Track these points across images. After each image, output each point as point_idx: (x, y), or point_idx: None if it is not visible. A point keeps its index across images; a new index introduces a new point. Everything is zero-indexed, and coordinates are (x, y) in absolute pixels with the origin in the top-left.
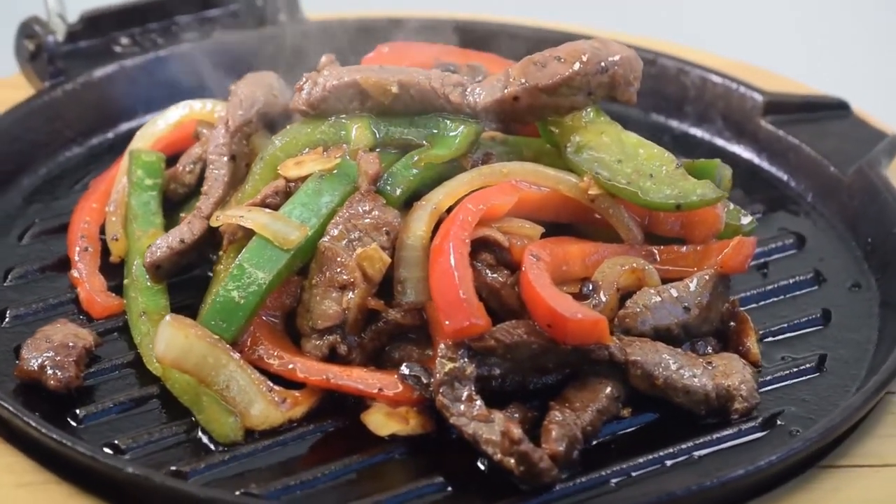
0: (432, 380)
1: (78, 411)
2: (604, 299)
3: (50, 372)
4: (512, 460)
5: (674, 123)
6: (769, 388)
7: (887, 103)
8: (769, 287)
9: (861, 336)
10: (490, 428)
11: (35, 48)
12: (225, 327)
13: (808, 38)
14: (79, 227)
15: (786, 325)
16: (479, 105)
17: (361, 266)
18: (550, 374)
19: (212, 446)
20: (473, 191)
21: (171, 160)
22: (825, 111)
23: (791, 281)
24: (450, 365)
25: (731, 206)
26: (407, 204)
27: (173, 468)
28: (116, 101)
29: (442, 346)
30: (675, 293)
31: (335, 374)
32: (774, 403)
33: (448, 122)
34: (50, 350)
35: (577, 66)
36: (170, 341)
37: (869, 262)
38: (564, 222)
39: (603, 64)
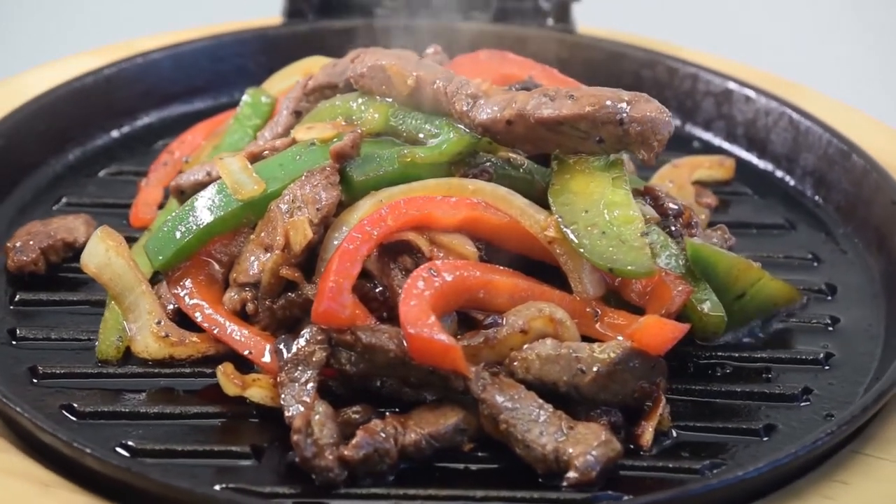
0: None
1: (18, 295)
2: (494, 334)
3: (12, 252)
4: None
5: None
6: (643, 473)
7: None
8: (743, 389)
9: None
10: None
11: None
12: (157, 256)
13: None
14: (175, 144)
15: (718, 426)
16: (475, 119)
17: (287, 234)
18: (418, 390)
19: (90, 358)
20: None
21: None
22: None
23: (770, 391)
24: (303, 347)
25: (703, 291)
26: None
27: (36, 366)
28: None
29: (308, 328)
30: (575, 353)
31: (220, 327)
32: (625, 489)
33: (452, 127)
34: (31, 234)
35: (585, 109)
36: (92, 251)
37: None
38: (536, 259)
39: (619, 116)
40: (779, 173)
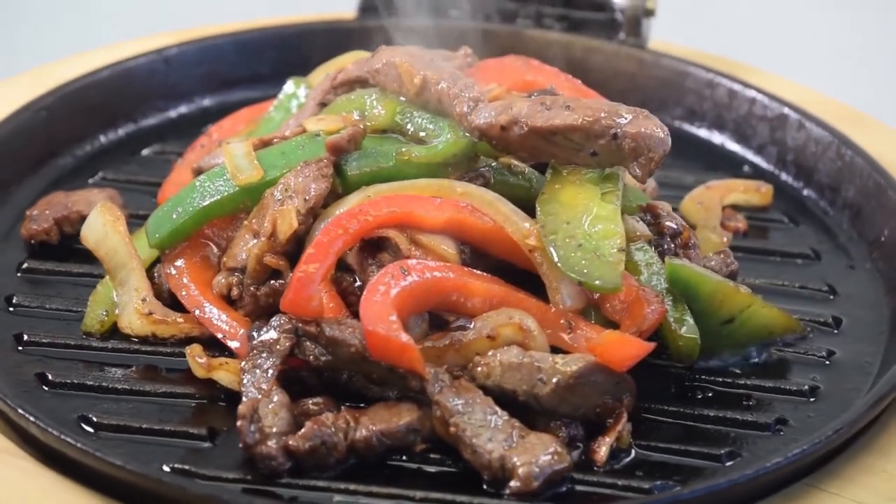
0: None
1: (26, 264)
2: (460, 337)
3: (27, 220)
4: None
5: None
6: (591, 488)
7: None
8: (717, 414)
9: None
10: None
11: None
12: (154, 234)
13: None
14: (214, 128)
15: (681, 448)
16: (473, 123)
17: (274, 222)
18: (382, 387)
19: (77, 330)
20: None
21: None
22: None
23: (744, 418)
24: (271, 336)
25: (681, 312)
26: None
27: (22, 334)
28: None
29: (277, 317)
30: (538, 363)
31: (200, 308)
32: (568, 503)
33: (452, 129)
34: (50, 204)
35: (579, 121)
36: (91, 225)
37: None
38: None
39: (614, 131)
40: (822, 203)
